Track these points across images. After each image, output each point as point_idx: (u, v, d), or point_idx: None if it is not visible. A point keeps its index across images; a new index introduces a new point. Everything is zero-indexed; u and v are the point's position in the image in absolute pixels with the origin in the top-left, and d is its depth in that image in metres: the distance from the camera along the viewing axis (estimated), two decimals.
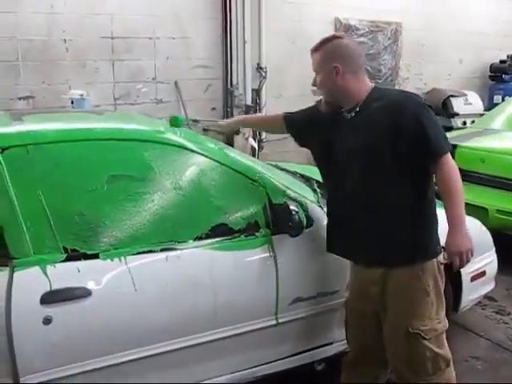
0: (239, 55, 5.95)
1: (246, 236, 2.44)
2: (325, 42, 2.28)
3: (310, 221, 2.57)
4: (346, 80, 2.24)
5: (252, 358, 2.56)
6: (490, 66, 8.32)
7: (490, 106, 7.65)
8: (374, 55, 7.24)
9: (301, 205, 2.54)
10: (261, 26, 6.09)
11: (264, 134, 6.30)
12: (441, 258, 2.29)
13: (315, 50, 2.30)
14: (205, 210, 2.40)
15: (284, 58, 6.44)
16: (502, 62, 8.25)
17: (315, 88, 2.38)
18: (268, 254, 2.45)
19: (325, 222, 2.61)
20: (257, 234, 2.46)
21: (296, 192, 2.64)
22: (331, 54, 2.25)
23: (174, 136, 2.47)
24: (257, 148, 6.09)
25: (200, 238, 2.34)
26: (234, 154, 2.67)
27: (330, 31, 6.82)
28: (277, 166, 3.39)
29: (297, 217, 2.37)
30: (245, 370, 2.54)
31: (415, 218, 2.21)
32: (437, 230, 2.28)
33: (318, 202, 2.73)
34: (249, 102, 6.04)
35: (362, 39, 7.06)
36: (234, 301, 2.39)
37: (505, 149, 4.55)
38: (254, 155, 6.10)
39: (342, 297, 2.68)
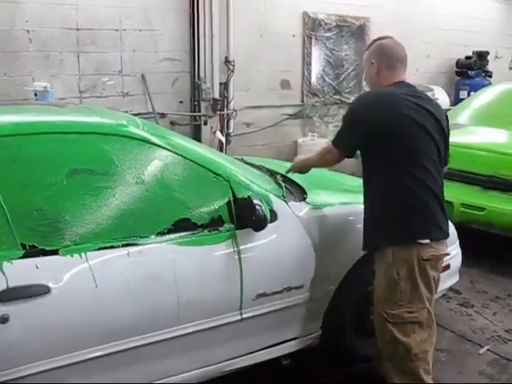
0: (207, 48, 5.89)
1: (209, 231, 2.41)
2: (371, 43, 2.67)
3: (274, 215, 2.56)
4: (380, 75, 2.55)
5: (218, 354, 2.54)
6: (457, 62, 8.44)
7: (456, 101, 7.75)
8: (340, 50, 7.26)
9: (265, 199, 2.53)
10: (229, 19, 6.05)
11: (232, 128, 6.26)
12: (427, 252, 2.34)
13: (366, 49, 2.69)
14: (168, 204, 2.36)
15: (252, 52, 6.42)
16: (467, 57, 8.36)
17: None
18: (232, 249, 2.43)
19: (289, 216, 2.60)
20: (220, 228, 2.43)
21: (260, 186, 2.63)
22: (371, 51, 2.61)
23: (136, 129, 2.42)
24: (224, 142, 6.07)
25: (163, 233, 2.31)
26: (198, 148, 2.64)
27: (298, 25, 6.84)
28: (242, 160, 3.36)
29: (260, 211, 2.35)
30: (210, 365, 2.52)
31: (380, 205, 2.45)
32: (415, 219, 2.36)
33: (283, 196, 2.72)
34: (216, 96, 5.99)
35: (329, 34, 7.07)
36: (198, 296, 2.36)
37: (470, 143, 4.61)
38: (221, 149, 6.08)
39: (307, 291, 2.69)
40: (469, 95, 7.82)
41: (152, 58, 5.78)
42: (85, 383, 2.23)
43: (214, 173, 2.46)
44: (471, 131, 5.01)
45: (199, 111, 6.00)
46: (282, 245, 2.58)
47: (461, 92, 8.17)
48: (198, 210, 2.40)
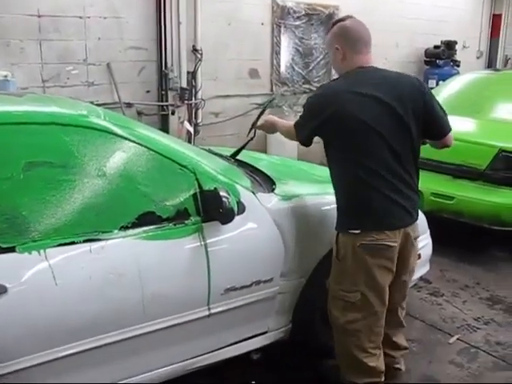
0: (174, 36, 5.76)
1: (175, 224, 2.33)
2: (332, 25, 2.55)
3: (242, 207, 2.50)
4: (345, 60, 2.48)
5: (186, 350, 2.47)
6: (425, 51, 8.46)
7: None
8: (309, 38, 7.20)
9: (232, 191, 2.46)
10: (196, 6, 5.92)
11: (200, 118, 6.16)
12: (364, 239, 2.37)
13: (327, 33, 2.63)
14: (131, 197, 2.28)
15: (220, 40, 6.31)
16: (436, 47, 8.39)
17: None
18: (198, 243, 2.36)
19: (257, 208, 2.55)
20: (186, 221, 2.36)
21: (227, 177, 2.56)
22: (334, 36, 2.51)
23: (98, 120, 2.32)
24: (192, 132, 5.97)
25: (126, 228, 2.22)
26: (163, 138, 2.55)
27: (267, 13, 6.76)
28: (210, 151, 3.29)
29: (227, 203, 2.28)
30: (179, 362, 2.46)
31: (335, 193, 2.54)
32: (352, 207, 2.43)
33: (252, 187, 2.66)
34: (184, 85, 5.87)
35: (298, 22, 7.00)
36: (164, 292, 2.29)
37: None
38: (189, 140, 5.98)
39: (276, 284, 2.64)
40: (437, 84, 7.85)
41: (118, 46, 5.62)
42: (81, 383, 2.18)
43: (180, 164, 2.38)
44: None
45: (166, 101, 5.88)
46: (250, 237, 2.52)
47: (429, 81, 8.19)
48: (163, 203, 2.32)
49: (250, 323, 2.66)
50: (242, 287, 2.50)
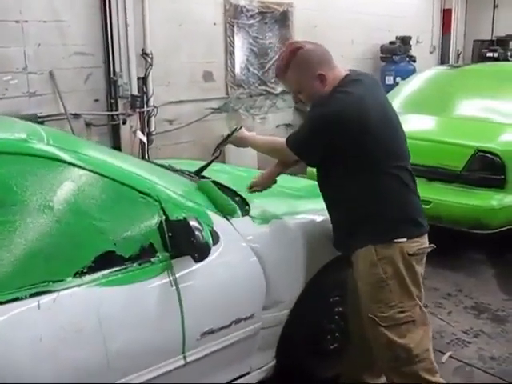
0: (121, 40, 5.32)
1: (139, 264, 1.98)
2: (289, 58, 2.23)
3: (216, 237, 2.18)
4: (325, 82, 2.22)
5: None
6: (381, 47, 8.29)
7: (382, 86, 7.60)
8: (264, 38, 6.90)
9: (203, 218, 2.14)
10: (144, 7, 5.49)
11: (153, 126, 5.77)
12: (412, 246, 2.20)
13: (283, 71, 2.26)
14: (85, 236, 1.91)
15: (171, 43, 5.91)
16: (391, 43, 8.23)
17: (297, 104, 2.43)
18: (168, 283, 2.01)
19: (233, 236, 2.23)
20: (153, 259, 2.01)
21: (197, 203, 2.22)
22: (306, 66, 2.21)
23: (40, 145, 1.95)
24: (146, 142, 5.58)
25: (82, 274, 1.86)
26: (118, 161, 2.20)
27: (219, 13, 6.41)
28: (170, 168, 2.94)
29: (200, 236, 1.94)
30: None
31: (356, 206, 2.25)
32: (395, 214, 2.22)
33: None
34: (135, 92, 5.45)
35: (251, 21, 6.68)
36: (131, 345, 1.93)
37: (409, 133, 4.35)
38: (143, 150, 5.59)
39: (258, 320, 2.33)
40: (395, 80, 7.72)
41: (60, 52, 5.15)
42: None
43: (140, 191, 2.03)
44: (407, 120, 4.76)
45: (117, 110, 5.44)
46: (227, 271, 2.20)
47: (387, 77, 8.02)
48: (123, 240, 1.96)
49: (231, 366, 2.34)
50: (221, 328, 2.17)
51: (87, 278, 1.86)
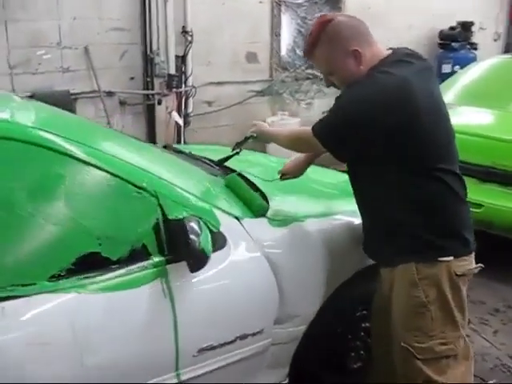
0: (160, 16, 5.07)
1: (128, 268, 1.71)
2: (318, 32, 1.89)
3: (222, 240, 1.89)
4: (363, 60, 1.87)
5: None
6: (440, 33, 7.75)
7: (438, 75, 7.10)
8: (312, 18, 6.49)
9: (209, 218, 1.86)
10: None
11: (191, 107, 5.51)
12: (460, 266, 1.87)
13: (312, 47, 1.92)
14: (65, 234, 1.66)
15: (213, 21, 5.61)
16: (451, 28, 7.67)
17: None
18: (161, 293, 1.74)
19: (243, 239, 1.94)
20: (145, 264, 1.74)
21: (205, 199, 1.94)
22: (338, 40, 1.87)
23: (22, 127, 1.70)
24: (182, 124, 5.33)
25: (59, 277, 1.61)
26: (115, 146, 1.94)
27: None
28: (190, 155, 2.67)
29: (196, 242, 1.66)
30: None
31: (397, 212, 1.90)
32: (442, 227, 1.88)
33: (238, 210, 2.05)
34: (172, 71, 5.21)
35: (300, 1, 6.29)
36: (113, 360, 1.68)
37: (462, 128, 3.89)
38: (178, 132, 5.36)
39: (268, 336, 2.04)
40: (453, 69, 7.19)
41: (96, 27, 4.96)
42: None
43: (135, 185, 1.76)
44: (462, 113, 4.34)
45: (152, 89, 5.23)
46: (232, 280, 1.90)
47: (444, 66, 7.49)
48: (111, 240, 1.70)
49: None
50: (223, 344, 1.89)
51: (64, 282, 1.61)
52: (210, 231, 1.83)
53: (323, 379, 2.44)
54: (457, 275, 1.87)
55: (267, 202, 2.22)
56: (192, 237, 1.64)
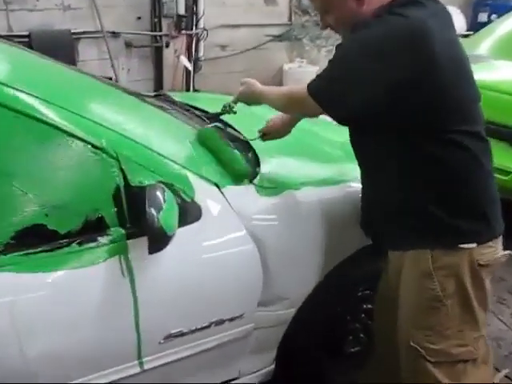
0: None
1: (79, 243, 1.45)
2: None
3: (197, 211, 1.61)
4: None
5: None
6: None
7: (474, 25, 6.60)
8: None
9: (182, 185, 1.58)
10: None
11: (202, 51, 5.15)
12: (484, 254, 1.56)
13: None
14: (3, 203, 1.39)
15: None
16: None
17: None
18: (119, 271, 1.48)
19: (222, 211, 1.67)
20: (100, 238, 1.48)
21: (180, 162, 1.66)
22: None
23: None
24: (191, 69, 4.99)
25: None
26: (73, 97, 1.65)
27: None
28: (180, 106, 2.37)
29: (153, 215, 1.37)
30: None
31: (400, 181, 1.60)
32: (463, 206, 1.56)
33: (218, 175, 1.76)
34: (182, 12, 4.83)
35: None
36: (60, 350, 1.44)
37: (495, 83, 3.53)
38: (187, 77, 5.02)
39: (250, 321, 1.79)
40: (489, 18, 6.67)
41: None
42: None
43: (91, 144, 1.47)
44: (496, 67, 3.93)
45: (160, 30, 4.88)
46: (207, 259, 1.63)
47: (480, 14, 6.94)
48: (59, 210, 1.43)
49: (211, 371, 1.84)
50: (194, 331, 1.65)
51: (3, 259, 1.35)
52: (183, 201, 1.56)
53: (314, 366, 2.20)
54: (480, 265, 1.56)
55: (258, 166, 1.93)
56: (150, 210, 1.36)
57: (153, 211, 1.36)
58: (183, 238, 1.53)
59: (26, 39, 4.28)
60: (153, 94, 2.68)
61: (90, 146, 1.47)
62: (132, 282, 1.49)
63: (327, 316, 2.10)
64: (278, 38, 5.83)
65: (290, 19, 5.88)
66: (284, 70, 5.86)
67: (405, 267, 1.64)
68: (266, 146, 2.03)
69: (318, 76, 1.59)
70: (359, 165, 1.75)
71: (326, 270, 1.91)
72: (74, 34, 4.52)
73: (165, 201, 1.41)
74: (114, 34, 4.72)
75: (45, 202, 1.41)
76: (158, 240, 1.39)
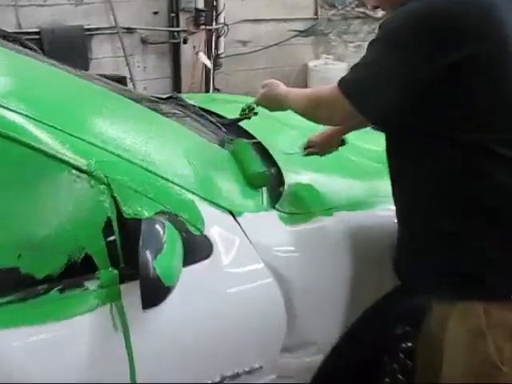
0: None
1: (60, 290, 1.18)
2: None
3: (207, 246, 1.33)
4: None
5: None
6: None
7: None
8: None
9: (189, 215, 1.30)
10: None
11: (222, 48, 4.89)
12: None
13: None
14: None
15: None
16: None
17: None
18: (111, 323, 1.21)
19: (238, 245, 1.38)
20: (86, 283, 1.20)
21: (189, 188, 1.38)
22: None
23: None
24: (211, 66, 4.72)
25: None
26: (59, 107, 1.38)
27: None
28: (194, 112, 2.09)
29: (150, 266, 1.09)
30: None
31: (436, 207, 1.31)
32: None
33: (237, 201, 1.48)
34: (201, 6, 4.57)
35: None
36: None
37: None
38: (206, 76, 4.76)
39: (271, 372, 1.50)
40: None
41: None
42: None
43: (75, 167, 1.20)
44: None
45: (178, 26, 4.63)
46: (218, 305, 1.35)
47: None
48: (37, 249, 1.17)
49: None
50: None
51: None
52: (189, 235, 1.28)
53: None
54: None
55: (282, 185, 1.65)
56: (144, 255, 1.08)
57: (147, 256, 1.08)
58: (189, 280, 1.25)
59: (37, 36, 4.09)
60: (163, 96, 2.41)
61: (73, 170, 1.19)
62: (126, 335, 1.22)
63: (361, 359, 1.81)
64: (303, 33, 5.55)
65: (315, 13, 5.59)
66: (309, 67, 5.59)
67: (451, 320, 1.34)
68: (289, 159, 1.75)
69: (351, 70, 1.32)
70: (393, 187, 1.45)
71: (360, 310, 1.61)
72: (86, 30, 4.31)
73: (165, 240, 1.13)
74: (129, 30, 4.49)
75: (17, 241, 1.14)
76: (154, 293, 1.11)
